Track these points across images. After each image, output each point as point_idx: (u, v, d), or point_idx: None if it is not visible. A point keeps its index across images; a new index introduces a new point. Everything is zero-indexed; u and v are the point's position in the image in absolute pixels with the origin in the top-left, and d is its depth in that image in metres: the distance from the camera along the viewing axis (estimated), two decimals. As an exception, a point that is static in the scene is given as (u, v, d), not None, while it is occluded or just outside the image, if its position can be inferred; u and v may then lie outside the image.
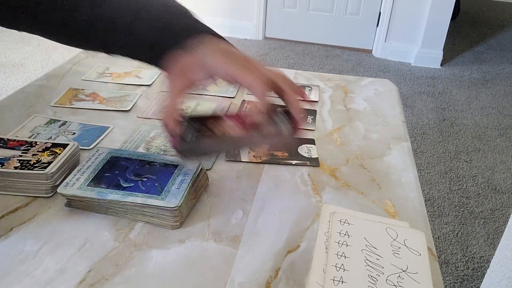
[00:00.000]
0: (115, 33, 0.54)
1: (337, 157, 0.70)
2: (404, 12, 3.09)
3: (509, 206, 1.82)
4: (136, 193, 0.54)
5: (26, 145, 0.61)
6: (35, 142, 0.62)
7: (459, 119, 2.49)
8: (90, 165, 0.59)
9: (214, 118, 0.57)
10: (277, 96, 0.54)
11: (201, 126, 0.56)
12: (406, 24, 3.13)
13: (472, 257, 1.54)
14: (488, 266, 1.15)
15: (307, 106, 0.85)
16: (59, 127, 0.73)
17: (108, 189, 0.54)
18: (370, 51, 3.32)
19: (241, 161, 0.67)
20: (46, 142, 0.62)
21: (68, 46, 0.59)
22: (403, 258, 0.46)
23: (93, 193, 0.54)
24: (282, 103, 0.54)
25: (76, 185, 0.55)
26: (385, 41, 3.22)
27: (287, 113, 0.54)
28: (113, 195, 0.53)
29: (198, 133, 0.54)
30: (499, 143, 2.27)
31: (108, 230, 0.53)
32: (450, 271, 1.48)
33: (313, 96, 0.89)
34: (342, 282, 0.43)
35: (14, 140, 0.63)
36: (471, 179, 1.97)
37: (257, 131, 0.53)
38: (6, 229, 0.52)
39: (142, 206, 0.53)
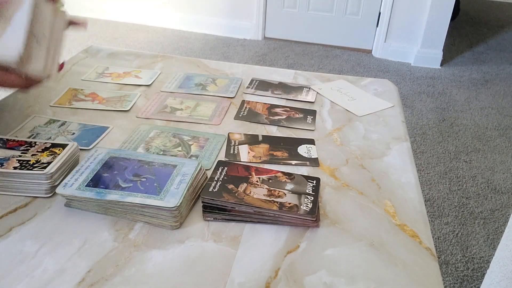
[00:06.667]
0: None
1: (337, 157, 0.70)
2: (404, 12, 3.09)
3: (509, 207, 1.82)
4: (135, 193, 0.54)
5: (26, 145, 0.61)
6: (35, 142, 0.62)
7: (459, 119, 2.49)
8: (88, 166, 0.59)
9: None
10: None
11: None
12: (406, 24, 3.13)
13: (472, 257, 1.54)
14: (488, 266, 1.15)
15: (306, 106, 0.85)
16: (59, 127, 0.73)
17: (107, 190, 0.54)
18: (370, 51, 3.32)
19: (240, 161, 0.67)
20: (46, 142, 0.62)
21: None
22: None
23: (91, 193, 0.54)
24: None
25: (75, 185, 0.55)
26: (385, 41, 3.22)
27: None
28: (112, 196, 0.53)
29: None
30: (499, 144, 2.27)
31: (108, 230, 0.53)
32: (450, 271, 1.48)
33: (309, 97, 0.89)
34: None
35: (14, 140, 0.63)
36: (471, 179, 1.97)
37: None
38: (5, 229, 0.52)
39: (141, 206, 0.53)
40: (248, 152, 0.69)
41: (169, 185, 0.55)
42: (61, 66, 0.55)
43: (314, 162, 0.68)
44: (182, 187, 0.55)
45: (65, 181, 0.55)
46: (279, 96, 0.89)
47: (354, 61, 3.17)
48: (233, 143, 0.72)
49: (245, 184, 0.58)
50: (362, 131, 0.78)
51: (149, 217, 0.54)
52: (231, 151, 0.70)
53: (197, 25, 3.53)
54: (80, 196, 0.53)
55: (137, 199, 0.53)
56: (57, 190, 0.54)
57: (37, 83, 0.57)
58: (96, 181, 0.56)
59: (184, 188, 0.54)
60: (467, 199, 1.85)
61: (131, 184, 0.55)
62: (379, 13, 3.18)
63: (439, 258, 1.53)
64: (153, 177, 0.57)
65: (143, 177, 0.57)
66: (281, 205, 0.54)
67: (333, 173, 0.66)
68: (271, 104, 0.85)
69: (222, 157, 0.68)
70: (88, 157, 0.60)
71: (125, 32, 3.46)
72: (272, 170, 0.62)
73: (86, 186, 0.55)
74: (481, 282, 1.28)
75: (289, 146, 0.72)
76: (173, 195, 0.53)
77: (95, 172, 0.57)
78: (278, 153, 0.70)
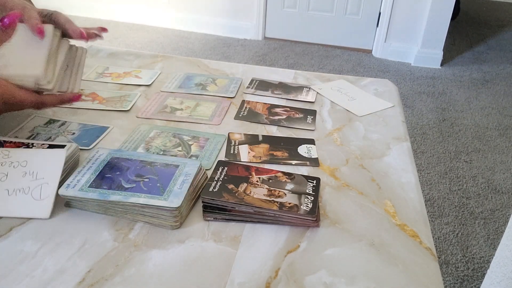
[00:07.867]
0: None
1: (337, 157, 0.70)
2: (404, 12, 3.09)
3: (509, 207, 1.82)
4: (138, 193, 0.54)
5: (23, 146, 0.61)
6: (32, 144, 0.62)
7: (459, 119, 2.49)
8: (90, 166, 0.58)
9: None
10: None
11: None
12: (406, 24, 3.13)
13: (472, 257, 1.54)
14: (488, 266, 1.15)
15: (306, 106, 0.85)
16: (59, 127, 0.73)
17: (110, 190, 0.54)
18: (370, 51, 3.32)
19: (240, 161, 0.67)
20: (43, 144, 0.62)
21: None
22: None
23: (95, 194, 0.53)
24: None
25: (77, 186, 0.55)
26: (385, 41, 3.22)
27: None
28: (116, 196, 0.53)
29: None
30: (499, 144, 2.26)
31: (108, 230, 0.53)
32: (450, 271, 1.48)
33: (309, 97, 0.89)
34: None
35: (11, 142, 0.62)
36: (471, 179, 1.97)
37: None
38: (5, 229, 0.52)
39: (142, 206, 0.53)
40: (248, 152, 0.69)
41: (172, 185, 0.55)
42: (79, 97, 0.66)
43: (314, 162, 0.68)
44: (185, 187, 0.55)
45: (67, 182, 0.55)
46: (279, 96, 0.89)
47: (354, 61, 3.16)
48: (233, 143, 0.72)
49: (245, 184, 0.58)
50: (362, 131, 0.78)
51: (149, 217, 0.54)
52: (231, 151, 0.70)
53: (197, 25, 3.53)
54: (83, 197, 0.53)
55: (140, 199, 0.53)
56: (60, 192, 0.54)
57: (50, 103, 0.65)
58: (98, 182, 0.56)
59: (188, 188, 0.54)
60: (467, 199, 1.85)
61: (134, 185, 0.55)
62: (379, 13, 3.18)
63: (439, 258, 1.53)
64: (155, 178, 0.57)
65: (146, 178, 0.57)
66: (281, 205, 0.54)
67: (333, 173, 0.66)
68: (271, 104, 0.85)
69: (222, 157, 0.68)
70: (90, 158, 0.60)
71: (125, 32, 3.46)
72: (272, 170, 0.62)
73: (88, 187, 0.55)
74: (481, 282, 1.28)
75: (289, 146, 0.72)
76: (177, 195, 0.53)
77: (97, 173, 0.57)
78: (278, 153, 0.70)
